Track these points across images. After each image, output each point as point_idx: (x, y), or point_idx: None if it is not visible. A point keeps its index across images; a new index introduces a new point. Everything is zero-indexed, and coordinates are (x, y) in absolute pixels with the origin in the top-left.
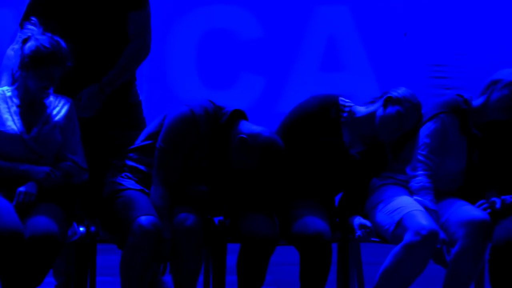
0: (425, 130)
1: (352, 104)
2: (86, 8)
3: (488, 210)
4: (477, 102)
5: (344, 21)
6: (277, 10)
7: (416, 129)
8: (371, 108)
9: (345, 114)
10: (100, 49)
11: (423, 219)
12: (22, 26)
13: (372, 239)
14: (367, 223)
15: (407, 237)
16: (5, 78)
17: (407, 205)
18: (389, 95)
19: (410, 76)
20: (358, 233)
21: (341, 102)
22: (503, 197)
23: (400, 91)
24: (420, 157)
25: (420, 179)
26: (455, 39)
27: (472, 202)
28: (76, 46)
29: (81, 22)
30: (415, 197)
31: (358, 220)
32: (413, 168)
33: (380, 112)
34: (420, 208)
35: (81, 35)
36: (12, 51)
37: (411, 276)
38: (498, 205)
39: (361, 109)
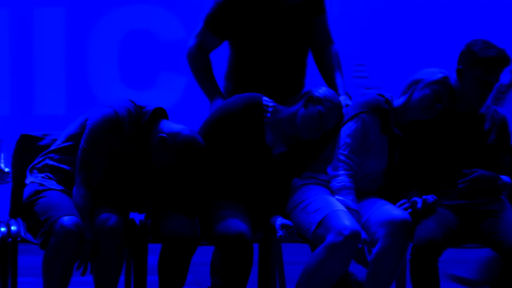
0: (346, 130)
1: (275, 104)
2: (273, 23)
3: (409, 210)
4: (398, 102)
5: None
6: (198, 10)
7: (337, 128)
8: (293, 108)
9: (268, 115)
10: (285, 59)
11: (345, 220)
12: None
13: (294, 239)
14: (289, 223)
15: (329, 237)
16: None
17: (329, 205)
18: (310, 94)
19: None
20: (280, 233)
21: (264, 102)
22: (424, 196)
23: (321, 91)
24: (341, 157)
25: (341, 178)
26: (376, 39)
27: (393, 202)
28: (263, 60)
29: (268, 37)
30: (337, 197)
31: (280, 220)
32: (334, 168)
33: (301, 111)
34: (342, 208)
35: (268, 49)
36: None
37: (333, 276)
38: (419, 205)
39: (284, 109)
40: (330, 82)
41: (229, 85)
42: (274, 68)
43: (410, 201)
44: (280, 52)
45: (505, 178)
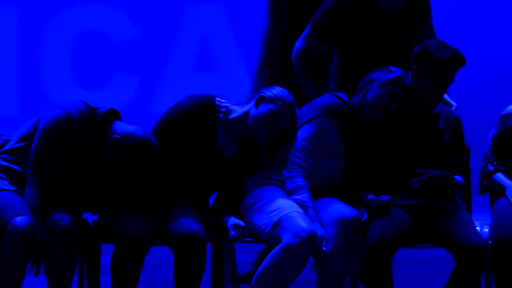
0: (303, 133)
1: (228, 105)
2: (378, 30)
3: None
4: (352, 101)
5: (217, 20)
6: (151, 11)
7: (292, 129)
8: (246, 108)
9: (221, 115)
10: (391, 64)
11: (302, 221)
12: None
13: (247, 239)
14: (241, 223)
15: (286, 239)
16: None
17: (285, 207)
18: (262, 94)
19: None
20: (232, 233)
21: (217, 103)
22: (380, 196)
23: (274, 91)
24: (297, 160)
25: (296, 179)
26: None
27: (349, 202)
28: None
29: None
30: (293, 196)
31: (232, 220)
32: (289, 170)
33: (252, 111)
34: (299, 209)
35: (373, 55)
36: None
37: (289, 278)
38: (374, 204)
39: (237, 109)
40: None
41: (335, 89)
42: None
43: (365, 201)
44: (386, 58)
45: (458, 178)
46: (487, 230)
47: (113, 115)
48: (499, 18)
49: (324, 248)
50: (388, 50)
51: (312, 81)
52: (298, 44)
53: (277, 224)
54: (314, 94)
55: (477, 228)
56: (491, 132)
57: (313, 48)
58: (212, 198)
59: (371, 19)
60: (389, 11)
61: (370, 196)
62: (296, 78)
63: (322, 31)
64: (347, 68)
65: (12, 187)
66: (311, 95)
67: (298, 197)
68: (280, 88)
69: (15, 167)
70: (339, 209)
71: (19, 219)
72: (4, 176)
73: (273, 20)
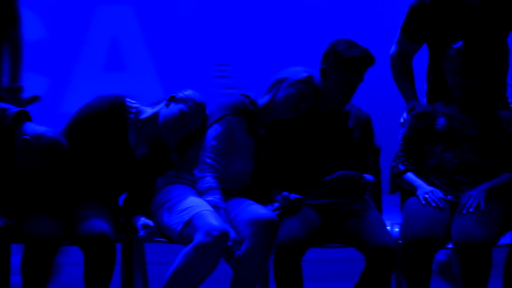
0: (211, 132)
1: (138, 105)
2: (462, 25)
3: (277, 207)
4: (262, 101)
5: (127, 21)
6: (60, 11)
7: (202, 129)
8: (156, 108)
9: (131, 115)
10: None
11: (213, 220)
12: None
13: (157, 239)
14: (150, 223)
15: (198, 237)
16: None
17: (196, 205)
18: (173, 94)
19: (195, 76)
20: (141, 233)
21: (127, 103)
22: (291, 196)
23: (185, 92)
24: (206, 159)
25: (207, 179)
26: (238, 39)
27: (259, 201)
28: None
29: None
30: (204, 198)
31: (142, 220)
32: (200, 170)
33: (163, 111)
34: (210, 208)
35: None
36: None
37: (201, 276)
38: (283, 203)
39: (147, 110)
40: None
41: (426, 87)
42: None
43: (276, 199)
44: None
45: (368, 177)
46: (397, 229)
47: (24, 116)
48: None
49: (237, 252)
50: (475, 45)
51: (407, 82)
52: (393, 48)
53: (188, 223)
54: (410, 95)
55: (388, 228)
56: (401, 132)
57: (405, 49)
58: (122, 198)
59: (454, 15)
60: (469, 5)
61: (285, 193)
62: None
63: (409, 31)
64: (437, 67)
65: None
66: (406, 96)
67: (210, 198)
68: (192, 91)
69: None
70: (255, 209)
71: None
72: None
73: None
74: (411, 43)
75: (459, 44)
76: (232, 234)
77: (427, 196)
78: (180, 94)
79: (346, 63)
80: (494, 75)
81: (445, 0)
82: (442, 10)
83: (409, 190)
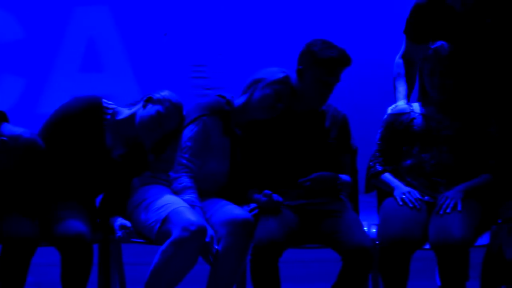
0: (187, 133)
1: (115, 106)
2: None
3: (254, 208)
4: (239, 101)
5: (104, 21)
6: (37, 11)
7: (179, 129)
8: (133, 109)
9: (108, 116)
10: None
11: (190, 215)
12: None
13: (134, 239)
14: (127, 224)
15: (175, 233)
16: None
17: (173, 202)
18: (149, 95)
19: (172, 77)
20: (119, 234)
21: (104, 104)
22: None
23: (162, 93)
24: (182, 160)
25: (182, 179)
26: (215, 39)
27: (236, 201)
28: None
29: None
30: (180, 197)
31: (119, 221)
32: (175, 171)
33: (140, 112)
34: (186, 204)
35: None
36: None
37: (181, 272)
38: (264, 200)
39: (124, 111)
40: None
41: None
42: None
43: (253, 200)
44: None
45: (345, 177)
46: (374, 230)
47: (0, 117)
48: (385, 20)
49: (216, 247)
50: (455, 47)
51: (403, 85)
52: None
53: (165, 220)
54: (400, 98)
55: (365, 228)
56: (379, 132)
57: (408, 50)
58: (99, 199)
59: (441, 17)
60: (455, 9)
61: (267, 191)
62: None
63: (410, 32)
64: None
65: None
66: (398, 99)
67: (186, 197)
68: (168, 91)
69: None
70: (231, 210)
71: None
72: None
73: None
74: (412, 44)
75: (437, 44)
76: (210, 231)
77: (404, 196)
78: (157, 95)
79: (322, 64)
80: (475, 76)
81: (434, 2)
82: (434, 11)
83: (386, 191)
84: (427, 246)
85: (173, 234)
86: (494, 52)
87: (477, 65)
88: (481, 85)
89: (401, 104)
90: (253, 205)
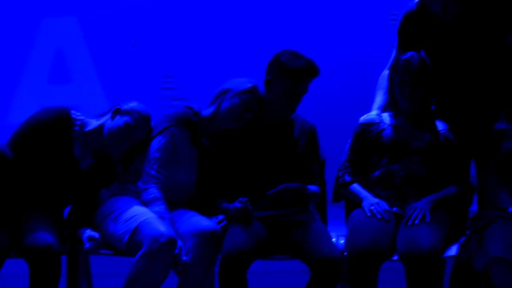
0: (155, 144)
1: (83, 117)
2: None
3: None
4: (207, 111)
5: (72, 32)
6: (4, 22)
7: (146, 140)
8: (102, 120)
9: (76, 127)
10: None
11: (160, 226)
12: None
13: (103, 251)
14: (95, 235)
15: (146, 244)
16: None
17: (142, 213)
18: (118, 107)
19: (140, 88)
20: (87, 245)
21: (72, 115)
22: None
23: (130, 104)
24: (150, 171)
25: (151, 190)
26: (184, 50)
27: (204, 212)
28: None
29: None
30: (149, 208)
31: (87, 232)
32: (144, 182)
33: (108, 123)
34: (155, 215)
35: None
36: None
37: (155, 283)
38: (238, 207)
39: (92, 122)
40: None
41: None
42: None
43: (222, 210)
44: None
45: (312, 187)
46: (342, 241)
47: None
48: (353, 34)
49: (184, 258)
50: (427, 57)
51: (383, 95)
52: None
53: (135, 231)
54: (375, 106)
55: (333, 239)
56: (348, 141)
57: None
58: (67, 210)
59: (431, 26)
60: (440, 17)
61: (243, 199)
62: None
63: (400, 40)
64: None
65: None
66: (373, 107)
67: (155, 208)
68: (137, 102)
69: None
70: (198, 221)
71: None
72: None
73: None
74: (403, 52)
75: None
76: (179, 242)
77: (372, 208)
78: (125, 106)
79: (290, 74)
80: (461, 83)
81: (423, 11)
82: (423, 20)
83: (354, 202)
84: (395, 258)
85: (144, 245)
86: (480, 60)
87: (461, 73)
88: (467, 92)
89: (372, 114)
90: (221, 217)
